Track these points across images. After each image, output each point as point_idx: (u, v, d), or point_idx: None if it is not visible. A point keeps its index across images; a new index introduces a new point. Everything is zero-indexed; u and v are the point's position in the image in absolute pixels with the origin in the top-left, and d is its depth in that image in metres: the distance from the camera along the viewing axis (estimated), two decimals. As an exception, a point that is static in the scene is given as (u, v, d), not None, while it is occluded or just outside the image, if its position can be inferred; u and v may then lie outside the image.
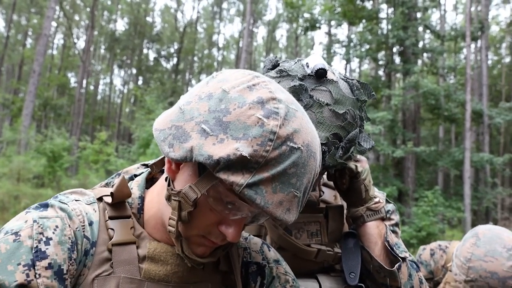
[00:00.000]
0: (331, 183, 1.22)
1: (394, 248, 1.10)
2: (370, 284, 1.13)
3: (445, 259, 2.06)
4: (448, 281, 1.88)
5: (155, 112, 15.11)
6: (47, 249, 0.66)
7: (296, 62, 1.06)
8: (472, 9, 18.82)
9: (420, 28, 16.38)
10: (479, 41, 18.33)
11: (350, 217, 1.15)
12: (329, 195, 1.24)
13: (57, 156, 13.62)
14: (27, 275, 0.63)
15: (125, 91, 37.26)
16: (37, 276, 0.64)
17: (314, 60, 1.02)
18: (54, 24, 29.24)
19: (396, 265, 1.06)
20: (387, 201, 1.27)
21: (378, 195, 1.22)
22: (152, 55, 35.62)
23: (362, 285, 1.09)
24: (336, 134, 0.98)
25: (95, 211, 0.77)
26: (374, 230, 1.10)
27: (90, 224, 0.74)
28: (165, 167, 0.75)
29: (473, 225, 16.16)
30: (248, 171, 0.61)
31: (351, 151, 1.03)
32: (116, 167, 13.68)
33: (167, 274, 0.76)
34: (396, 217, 1.26)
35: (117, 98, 39.80)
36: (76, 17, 33.07)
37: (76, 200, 0.77)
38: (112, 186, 0.87)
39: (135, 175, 0.88)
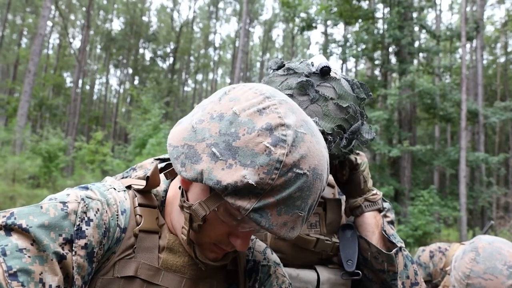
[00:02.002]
0: (330, 180, 1.28)
1: (391, 237, 1.15)
2: (367, 273, 1.16)
3: (444, 262, 2.02)
4: (446, 284, 1.86)
5: (151, 112, 15.07)
6: (86, 229, 0.69)
7: (301, 62, 1.14)
8: (468, 9, 18.91)
9: (416, 28, 16.44)
10: (474, 41, 18.42)
11: (349, 208, 1.20)
12: (328, 192, 1.28)
13: (52, 156, 13.57)
14: (63, 248, 0.65)
15: (121, 91, 37.16)
16: (74, 253, 0.66)
17: (319, 59, 1.10)
18: (49, 23, 29.12)
19: (394, 250, 1.11)
20: (383, 200, 1.30)
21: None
22: (148, 55, 35.60)
23: (359, 272, 1.13)
24: (340, 126, 1.05)
25: (126, 199, 0.80)
26: (371, 220, 1.16)
27: (123, 212, 0.78)
28: (179, 178, 0.79)
29: (469, 224, 16.25)
30: (254, 197, 0.63)
31: (353, 143, 1.09)
32: (112, 167, 13.64)
33: (183, 265, 0.80)
34: (391, 215, 1.30)
35: (113, 98, 39.69)
36: (72, 17, 32.94)
37: (112, 187, 0.80)
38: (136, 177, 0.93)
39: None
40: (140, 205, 0.81)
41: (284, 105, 0.69)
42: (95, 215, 0.71)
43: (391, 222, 1.29)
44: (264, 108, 0.67)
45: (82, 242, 0.68)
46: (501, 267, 1.48)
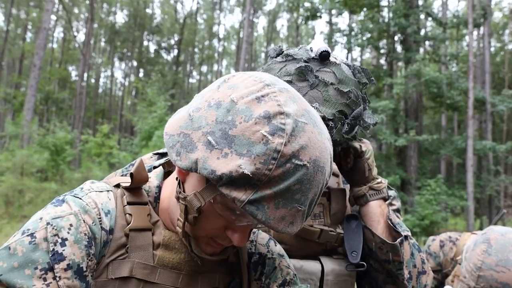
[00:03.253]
0: (335, 169, 1.24)
1: (397, 226, 1.13)
2: (373, 263, 1.15)
3: (454, 251, 2.00)
4: (457, 274, 1.84)
5: (157, 104, 15.09)
6: (63, 250, 0.67)
7: (300, 48, 1.12)
8: (475, -5, 18.61)
9: (422, 16, 16.23)
10: (481, 28, 18.18)
11: (353, 197, 1.18)
12: (333, 181, 1.26)
13: (59, 149, 13.67)
14: (45, 279, 0.64)
15: (126, 83, 37.23)
16: (58, 278, 0.65)
17: (317, 44, 1.08)
18: (53, 17, 29.12)
19: (399, 239, 1.09)
20: (388, 188, 1.28)
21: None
22: (152, 47, 35.51)
23: (364, 263, 1.12)
24: (342, 111, 1.04)
25: (110, 199, 0.78)
26: (376, 209, 1.14)
27: (107, 213, 0.75)
28: (176, 169, 0.77)
29: (476, 213, 16.20)
30: (250, 188, 0.61)
31: (356, 130, 1.07)
32: (119, 159, 13.72)
33: (180, 262, 0.78)
34: (397, 203, 1.29)
35: (119, 91, 39.79)
36: (76, 10, 32.92)
37: (91, 191, 0.77)
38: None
39: (155, 167, 0.90)
40: (129, 203, 0.78)
41: (285, 93, 0.66)
42: (68, 232, 0.68)
43: (397, 210, 1.27)
44: (263, 96, 0.64)
45: (63, 264, 0.66)
46: None
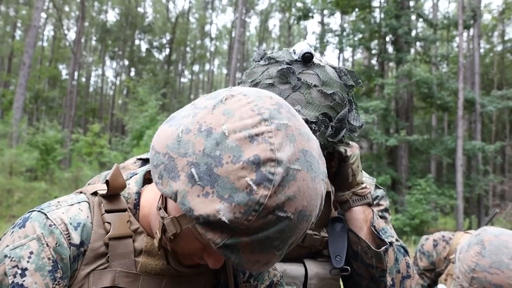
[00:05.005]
0: None
1: (381, 233, 1.11)
2: (357, 267, 1.14)
3: (448, 250, 2.02)
4: (450, 273, 1.86)
5: (148, 103, 15.03)
6: (24, 281, 0.66)
7: (283, 50, 1.10)
8: (465, -3, 18.81)
9: (413, 17, 16.36)
10: (471, 30, 18.37)
11: (336, 202, 1.16)
12: None
13: (49, 149, 13.53)
14: None
15: (118, 82, 36.99)
16: None
17: (301, 46, 1.05)
18: (43, 15, 28.83)
19: (383, 248, 1.08)
20: (376, 187, 1.28)
21: (367, 181, 1.24)
22: (144, 46, 35.32)
23: (348, 268, 1.11)
24: (326, 114, 1.01)
25: (82, 211, 0.76)
26: (360, 215, 1.11)
27: (76, 227, 0.73)
28: None
29: (465, 212, 16.37)
30: (226, 232, 0.59)
31: (342, 133, 1.05)
32: (110, 159, 13.64)
33: (163, 268, 0.76)
34: (385, 203, 1.27)
35: (110, 90, 39.51)
36: (66, 8, 32.62)
37: (59, 208, 0.75)
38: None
39: (136, 173, 0.89)
40: (107, 211, 0.76)
41: (283, 132, 0.61)
42: (28, 261, 0.67)
43: (385, 210, 1.26)
44: (257, 135, 0.59)
45: None
46: (507, 261, 1.46)
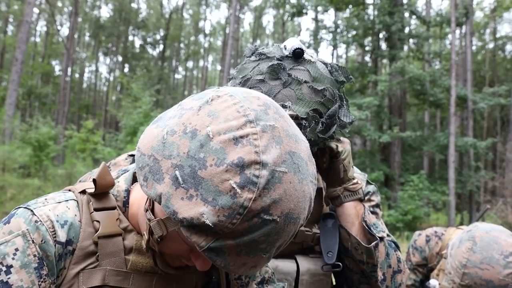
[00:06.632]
0: None
1: (372, 228, 1.12)
2: (348, 263, 1.15)
3: (440, 246, 2.04)
4: (442, 268, 1.88)
5: (142, 99, 14.99)
6: (9, 278, 0.65)
7: (274, 46, 1.10)
8: (457, -6, 18.90)
9: (406, 14, 16.42)
10: (463, 27, 18.49)
11: (328, 197, 1.16)
12: None
13: (42, 145, 13.46)
14: None
15: (111, 78, 36.76)
16: None
17: (291, 42, 1.05)
18: (36, 10, 28.55)
19: (373, 243, 1.09)
20: (368, 183, 1.28)
21: (359, 176, 1.25)
22: (138, 42, 35.13)
23: (340, 263, 1.11)
24: (316, 110, 1.01)
25: (69, 209, 0.75)
26: (351, 210, 1.12)
27: (63, 225, 0.72)
28: None
29: (457, 208, 16.53)
30: (211, 235, 0.58)
31: (332, 130, 1.05)
32: (104, 155, 13.60)
33: (153, 266, 0.76)
34: (376, 198, 1.28)
35: (103, 86, 39.26)
36: (59, 4, 32.30)
37: (46, 205, 0.74)
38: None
39: (127, 171, 0.88)
40: (96, 209, 0.76)
41: (269, 133, 0.59)
42: (13, 258, 0.66)
43: (376, 206, 1.26)
44: (241, 137, 0.58)
45: None
46: (497, 256, 1.50)
